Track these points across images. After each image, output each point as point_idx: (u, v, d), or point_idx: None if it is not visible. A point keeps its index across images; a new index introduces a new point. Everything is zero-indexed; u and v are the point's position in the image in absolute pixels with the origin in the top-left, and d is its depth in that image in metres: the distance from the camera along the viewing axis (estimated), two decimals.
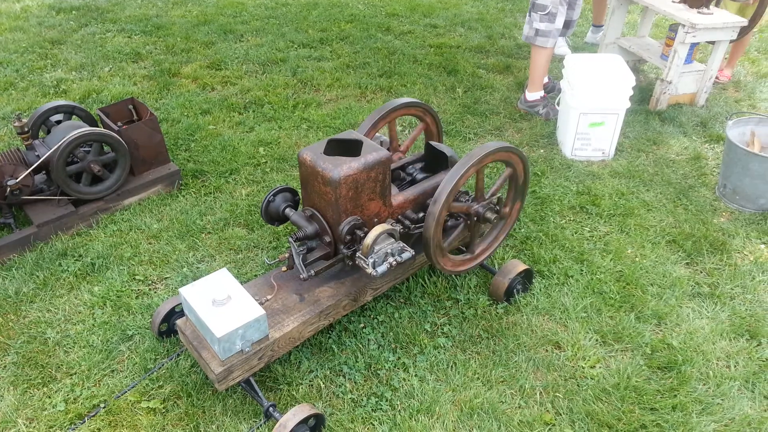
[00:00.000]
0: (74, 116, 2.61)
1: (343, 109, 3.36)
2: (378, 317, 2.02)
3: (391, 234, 1.82)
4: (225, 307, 1.59)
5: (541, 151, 3.05)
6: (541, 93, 3.34)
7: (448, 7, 4.86)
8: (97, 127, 2.55)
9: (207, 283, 1.67)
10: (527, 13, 3.19)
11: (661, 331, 2.00)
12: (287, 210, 1.93)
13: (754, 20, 3.26)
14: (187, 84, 3.58)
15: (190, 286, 1.66)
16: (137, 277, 2.17)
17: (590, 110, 2.85)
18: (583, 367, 1.86)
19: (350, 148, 1.87)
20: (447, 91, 3.61)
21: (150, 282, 2.16)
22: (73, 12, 4.50)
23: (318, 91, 3.58)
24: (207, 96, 3.45)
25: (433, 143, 2.17)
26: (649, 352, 1.91)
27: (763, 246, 2.39)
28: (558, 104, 3.22)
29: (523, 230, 2.44)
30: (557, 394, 1.78)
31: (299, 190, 1.91)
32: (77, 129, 2.32)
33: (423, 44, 4.22)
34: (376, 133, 2.26)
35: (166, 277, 2.17)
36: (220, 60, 3.86)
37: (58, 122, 2.54)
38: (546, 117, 3.30)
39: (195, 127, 3.10)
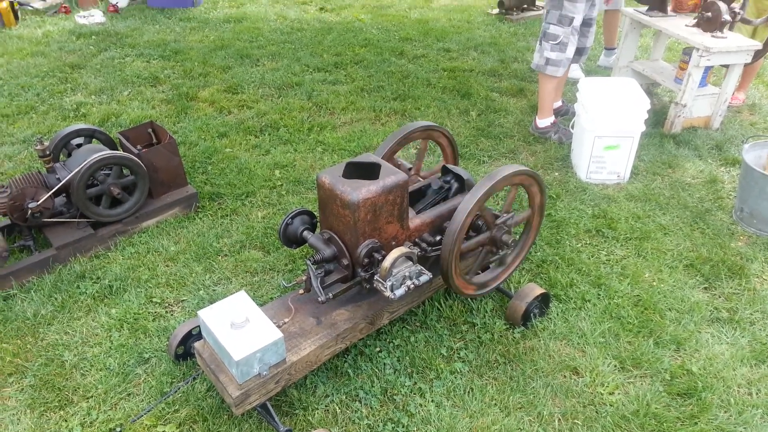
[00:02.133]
0: (94, 139, 2.66)
1: (357, 132, 3.39)
2: (394, 341, 2.01)
3: (408, 257, 1.82)
4: (243, 330, 1.60)
5: (556, 174, 3.05)
6: (552, 119, 3.35)
7: (461, 31, 4.91)
8: (117, 150, 2.59)
9: (225, 306, 1.68)
10: (538, 41, 3.21)
11: (680, 356, 1.98)
12: (305, 232, 1.94)
13: (767, 44, 3.26)
14: (205, 108, 3.63)
15: (208, 309, 1.67)
16: (154, 300, 2.18)
17: (605, 133, 2.86)
18: (602, 394, 1.84)
19: (368, 171, 1.88)
20: (461, 114, 3.64)
21: (167, 305, 2.17)
22: (93, 37, 4.60)
23: (333, 114, 3.62)
24: (224, 119, 3.50)
25: (450, 166, 2.18)
26: (669, 378, 1.89)
27: None
28: (572, 127, 3.22)
29: (539, 253, 2.43)
30: (576, 421, 1.76)
31: (316, 213, 1.92)
32: (97, 152, 2.36)
33: (436, 68, 4.26)
34: (394, 156, 2.28)
35: (183, 300, 2.18)
36: (236, 84, 3.92)
37: (79, 145, 2.58)
38: (559, 142, 3.31)
39: (212, 150, 3.13)
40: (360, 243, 1.78)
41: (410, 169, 2.34)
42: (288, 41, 4.65)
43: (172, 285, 2.25)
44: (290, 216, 1.94)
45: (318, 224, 1.96)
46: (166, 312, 2.14)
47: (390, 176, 1.81)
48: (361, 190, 1.71)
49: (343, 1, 5.63)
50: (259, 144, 3.26)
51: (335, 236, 1.82)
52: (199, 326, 1.81)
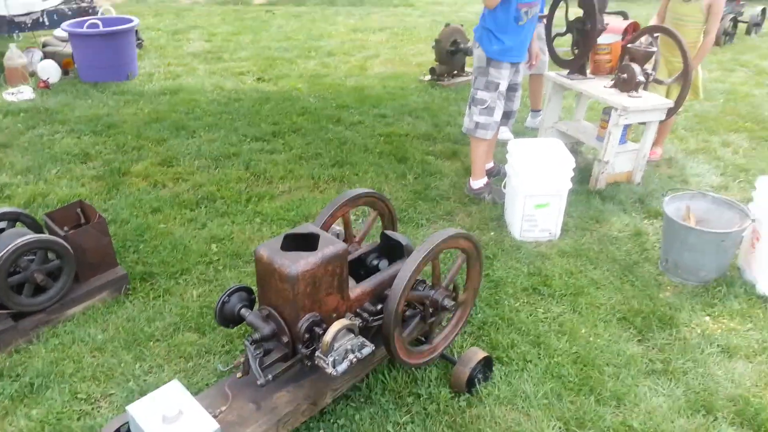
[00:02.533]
0: (19, 223, 2.55)
1: (296, 201, 3.39)
2: (338, 421, 1.96)
3: (350, 329, 1.81)
4: (176, 424, 1.53)
5: (492, 233, 3.13)
6: (485, 180, 3.46)
7: (396, 97, 5.07)
8: (43, 233, 2.49)
9: (156, 398, 1.60)
10: (467, 106, 3.35)
11: (621, 412, 2.01)
12: (243, 310, 1.89)
13: (679, 102, 3.50)
14: (138, 182, 3.57)
15: (138, 403, 1.59)
16: (79, 396, 2.05)
17: (535, 193, 2.97)
18: None
19: (307, 242, 1.88)
20: (398, 178, 3.71)
21: (93, 400, 2.04)
22: (21, 114, 4.49)
23: (271, 183, 3.62)
24: (158, 194, 3.44)
25: (389, 232, 2.21)
26: None
27: (708, 318, 2.47)
28: (504, 187, 3.34)
29: (480, 315, 2.46)
30: None
31: (255, 288, 1.88)
32: (21, 237, 2.26)
33: (373, 134, 4.36)
34: (332, 225, 2.29)
35: (111, 394, 2.06)
36: (172, 157, 3.89)
37: (2, 230, 2.47)
38: (493, 202, 3.41)
39: (144, 227, 3.06)
40: (300, 317, 1.75)
41: (349, 237, 2.35)
42: (225, 112, 4.67)
43: (99, 378, 2.12)
44: (227, 294, 1.90)
45: (257, 300, 1.92)
46: (93, 409, 2.01)
47: (329, 246, 1.81)
48: (299, 263, 1.71)
49: (280, 71, 5.74)
50: (195, 217, 3.21)
51: (274, 312, 1.79)
52: (128, 423, 1.71)
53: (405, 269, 1.84)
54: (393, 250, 2.17)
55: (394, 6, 8.58)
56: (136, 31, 5.79)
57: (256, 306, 1.91)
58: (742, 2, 6.78)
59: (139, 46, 6.14)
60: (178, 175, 3.68)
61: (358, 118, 4.63)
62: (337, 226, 2.33)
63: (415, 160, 3.92)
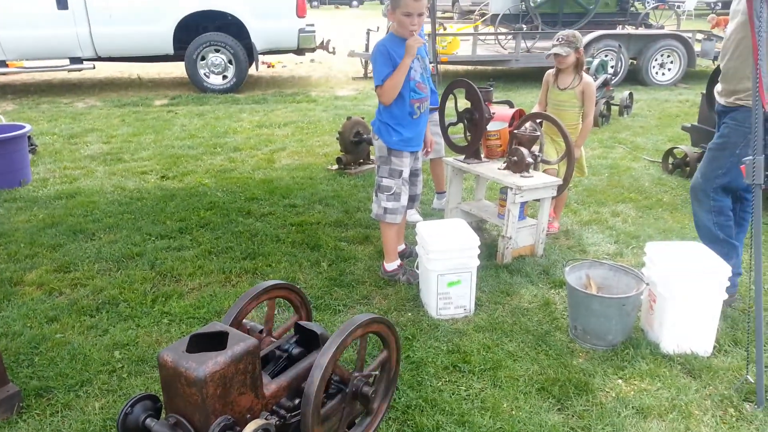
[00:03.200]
0: None
1: (207, 297, 3.28)
2: None
3: (266, 429, 1.72)
4: None
5: (409, 314, 3.15)
6: (398, 262, 3.53)
7: (305, 187, 5.13)
8: None
9: None
10: (374, 193, 3.45)
11: None
12: (148, 420, 1.76)
13: (566, 179, 3.79)
14: (31, 292, 3.32)
15: None
16: None
17: (446, 271, 3.04)
18: None
19: (215, 342, 1.81)
20: (312, 266, 3.69)
21: None
22: None
23: (179, 281, 3.49)
24: (54, 302, 3.21)
25: (302, 323, 2.16)
26: None
27: (620, 381, 2.57)
28: (417, 268, 3.40)
29: (403, 399, 2.42)
30: None
31: (161, 396, 1.76)
32: None
33: (284, 223, 4.35)
34: (243, 320, 2.22)
35: None
36: (69, 262, 3.67)
37: None
38: (408, 282, 3.45)
39: (39, 339, 2.82)
40: (211, 423, 1.65)
41: (262, 331, 2.28)
42: (127, 212, 4.52)
43: None
44: (129, 404, 1.76)
45: (163, 408, 1.79)
46: None
47: (239, 343, 1.75)
48: (207, 364, 1.63)
49: (185, 168, 5.68)
50: (96, 324, 3.00)
51: (182, 420, 1.67)
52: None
53: (320, 360, 1.80)
54: (309, 341, 2.13)
55: (297, 102, 8.86)
56: (29, 137, 5.59)
57: (164, 414, 1.78)
58: (612, 88, 7.58)
59: (33, 151, 5.91)
60: (76, 280, 3.46)
61: (268, 209, 4.62)
62: (250, 321, 2.26)
63: (328, 246, 3.94)
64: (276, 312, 3.12)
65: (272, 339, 2.26)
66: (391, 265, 3.51)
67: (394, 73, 3.10)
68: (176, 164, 5.78)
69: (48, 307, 3.15)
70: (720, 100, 3.07)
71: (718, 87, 3.10)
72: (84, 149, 6.29)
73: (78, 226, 4.21)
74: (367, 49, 10.76)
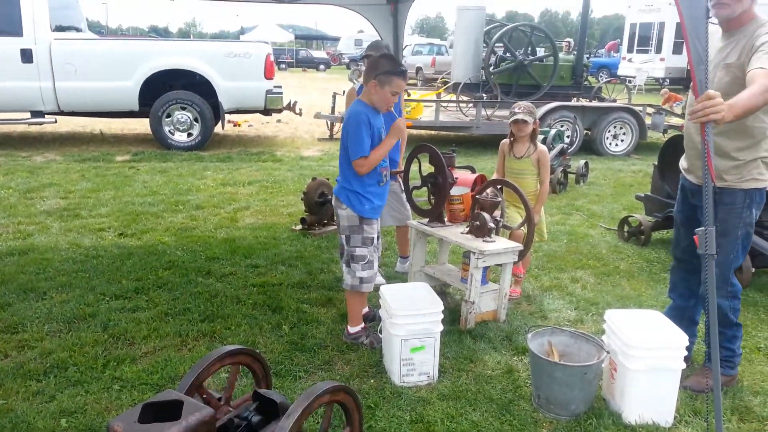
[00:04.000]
0: None
1: (161, 362, 3.15)
2: None
3: None
4: None
5: (372, 381, 3.09)
6: (362, 325, 3.49)
7: (268, 247, 5.08)
8: None
9: None
10: (344, 264, 3.43)
11: None
12: None
13: (527, 245, 3.86)
14: None
15: None
16: None
17: (410, 336, 3.02)
18: None
19: (169, 411, 1.73)
20: (273, 329, 3.61)
21: None
22: None
23: (132, 345, 3.36)
24: None
25: (262, 390, 2.10)
26: None
27: None
28: (380, 332, 3.36)
29: None
30: None
31: None
32: None
33: (245, 284, 4.28)
34: (204, 385, 2.14)
35: None
36: (17, 322, 3.50)
37: None
38: (371, 346, 3.41)
39: None
40: None
41: (220, 399, 2.20)
42: (81, 270, 4.37)
43: None
44: None
45: None
46: None
47: (194, 414, 1.69)
48: None
49: (144, 225, 5.57)
50: (42, 389, 2.85)
51: None
52: None
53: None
54: (268, 409, 2.06)
55: (262, 161, 8.89)
56: None
57: None
58: (568, 157, 7.87)
59: None
60: (23, 342, 3.30)
61: (229, 269, 4.54)
62: (208, 389, 2.18)
63: (290, 309, 3.87)
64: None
65: (229, 408, 2.18)
66: (355, 327, 3.47)
67: (378, 148, 3.20)
68: (135, 221, 5.67)
69: None
70: (690, 177, 3.04)
71: (684, 163, 3.12)
72: (40, 204, 6.13)
73: (29, 285, 4.05)
74: (332, 112, 10.97)
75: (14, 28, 8.42)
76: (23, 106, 8.80)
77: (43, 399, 2.78)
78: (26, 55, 8.47)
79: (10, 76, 8.48)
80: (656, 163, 5.46)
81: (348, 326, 3.50)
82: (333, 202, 3.44)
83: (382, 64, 3.19)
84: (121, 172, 7.74)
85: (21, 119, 9.16)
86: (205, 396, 2.14)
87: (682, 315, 3.25)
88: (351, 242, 3.36)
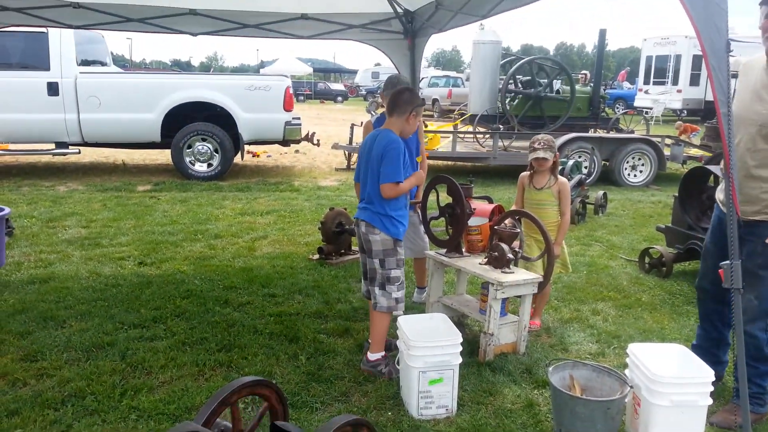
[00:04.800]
0: None
1: (178, 392, 3.14)
2: None
3: None
4: None
5: (389, 413, 3.04)
6: (383, 353, 3.47)
7: (285, 276, 5.09)
8: None
9: None
10: (378, 287, 3.45)
11: None
12: None
13: (546, 276, 3.82)
14: None
15: None
16: None
17: (428, 368, 2.98)
18: None
19: None
20: (289, 359, 3.59)
21: None
22: None
23: (150, 374, 3.36)
24: (16, 393, 3.05)
25: (279, 423, 2.08)
26: None
27: None
28: (398, 363, 3.33)
29: None
30: None
31: None
32: None
33: (263, 314, 4.27)
34: (217, 419, 2.12)
35: None
36: (36, 351, 3.53)
37: None
38: (389, 376, 3.37)
39: None
40: None
41: (243, 430, 2.18)
42: (101, 299, 4.41)
43: None
44: None
45: None
46: None
47: None
48: None
49: (163, 254, 5.62)
50: (59, 418, 2.85)
51: None
52: None
53: None
54: None
55: (280, 191, 8.97)
56: (7, 219, 5.53)
57: None
58: (586, 188, 7.83)
59: (9, 234, 5.83)
60: (42, 370, 3.31)
61: (246, 299, 4.55)
62: (223, 421, 2.17)
63: (307, 339, 3.85)
64: (248, 408, 3.01)
65: None
66: (375, 354, 3.46)
67: (410, 181, 3.41)
68: (155, 250, 5.72)
69: (10, 399, 2.98)
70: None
71: (722, 196, 3.07)
72: (62, 233, 6.22)
73: (49, 313, 4.09)
74: (350, 142, 11.08)
75: (42, 63, 8.71)
76: (48, 137, 9.03)
77: (60, 428, 2.78)
78: (53, 89, 8.72)
79: (36, 108, 8.73)
80: (677, 194, 5.40)
81: (369, 353, 3.49)
82: (363, 228, 3.46)
83: (414, 98, 3.41)
84: (141, 202, 7.85)
85: (46, 150, 9.39)
86: (223, 429, 2.12)
87: (719, 343, 3.25)
88: (386, 265, 3.42)
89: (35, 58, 8.72)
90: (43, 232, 6.21)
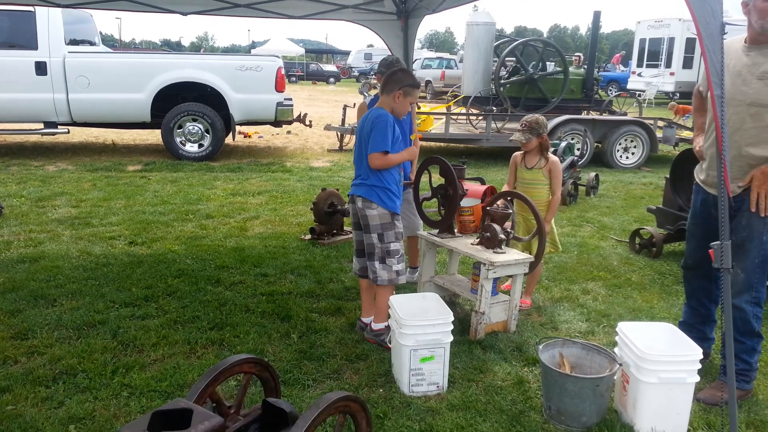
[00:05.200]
0: None
1: (170, 369, 3.15)
2: None
3: None
4: None
5: (381, 390, 3.06)
6: (386, 323, 3.54)
7: (277, 256, 5.09)
8: None
9: None
10: (378, 261, 3.47)
11: None
12: None
13: (538, 256, 3.84)
14: None
15: None
16: None
17: (419, 346, 3.00)
18: None
19: (178, 420, 1.72)
20: (281, 337, 3.60)
21: None
22: None
23: (142, 352, 3.36)
24: (7, 371, 3.05)
25: (271, 400, 2.09)
26: None
27: None
28: (389, 342, 3.35)
29: None
30: None
31: None
32: None
33: (254, 293, 4.27)
34: (215, 392, 2.13)
35: None
36: (27, 329, 3.52)
37: None
38: (388, 347, 3.40)
39: None
40: None
41: (230, 407, 2.19)
42: (92, 278, 4.39)
43: None
44: None
45: None
46: None
47: (203, 422, 1.68)
48: None
49: (155, 234, 5.59)
50: (51, 395, 2.85)
51: None
52: None
53: None
54: (277, 419, 2.04)
55: (272, 172, 8.93)
56: None
57: None
58: (578, 169, 7.85)
59: None
60: (33, 348, 3.31)
61: (238, 278, 4.54)
62: (215, 397, 2.17)
63: (299, 318, 3.86)
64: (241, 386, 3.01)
65: (239, 417, 2.16)
66: (379, 324, 3.53)
67: (399, 156, 3.39)
68: (146, 230, 5.69)
69: (1, 376, 2.98)
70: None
71: (703, 176, 3.12)
72: (52, 213, 6.18)
73: (39, 292, 4.07)
74: (343, 123, 11.02)
75: (29, 42, 8.57)
76: (37, 116, 8.91)
77: (52, 405, 2.78)
78: (41, 68, 8.59)
79: (25, 88, 8.60)
80: (668, 176, 5.42)
81: (372, 323, 3.57)
82: (359, 204, 3.48)
83: (405, 77, 3.40)
84: (132, 182, 7.80)
85: (35, 130, 9.27)
86: (214, 405, 2.13)
87: (705, 320, 3.30)
88: (385, 239, 3.45)
89: (22, 37, 8.57)
90: (33, 212, 6.16)
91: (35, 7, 7.99)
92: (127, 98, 9.05)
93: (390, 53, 5.67)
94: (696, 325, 3.32)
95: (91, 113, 9.07)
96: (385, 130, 3.30)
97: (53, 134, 9.43)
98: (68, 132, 9.50)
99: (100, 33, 11.32)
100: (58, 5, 5.47)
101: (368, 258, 3.53)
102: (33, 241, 5.22)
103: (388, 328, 3.50)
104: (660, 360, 2.70)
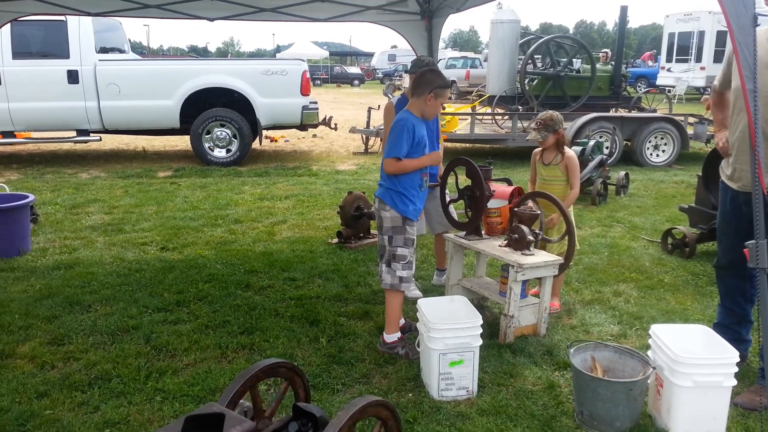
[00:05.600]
0: None
1: (202, 374, 3.19)
2: None
3: None
4: None
5: (410, 395, 3.06)
6: (398, 334, 3.48)
7: (305, 260, 5.12)
8: None
9: None
10: (385, 264, 3.45)
11: None
12: None
13: (567, 258, 3.79)
14: (23, 365, 3.24)
15: None
16: None
17: (448, 350, 2.99)
18: None
19: (211, 424, 1.75)
20: (311, 342, 3.62)
21: None
22: None
23: (174, 356, 3.41)
24: (45, 376, 3.13)
25: (301, 404, 2.10)
26: None
27: None
28: (418, 345, 3.34)
29: None
30: None
31: None
32: None
33: (283, 297, 4.31)
34: (240, 400, 2.16)
35: None
36: (63, 334, 3.60)
37: None
38: (407, 357, 3.39)
39: (28, 415, 2.73)
40: None
41: (263, 410, 2.21)
42: (125, 283, 4.48)
43: None
44: None
45: None
46: None
47: (235, 427, 1.70)
48: None
49: (185, 239, 5.68)
50: (87, 400, 2.91)
51: None
52: None
53: None
54: (307, 423, 2.05)
55: (298, 176, 9.00)
56: (32, 206, 5.63)
57: None
58: (607, 168, 7.72)
59: (34, 221, 5.94)
60: (69, 354, 3.39)
61: (267, 282, 4.59)
62: (246, 402, 2.20)
63: (328, 322, 3.88)
64: (270, 390, 3.04)
65: (269, 421, 2.18)
66: (391, 336, 3.47)
67: (414, 160, 3.31)
68: (177, 236, 5.79)
69: (39, 381, 3.06)
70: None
71: (729, 171, 3.04)
72: (85, 219, 6.32)
73: (74, 298, 4.17)
74: (368, 126, 11.04)
75: (61, 51, 8.79)
76: (69, 125, 9.14)
77: (88, 410, 2.84)
78: (72, 76, 8.80)
79: (57, 96, 8.83)
80: (700, 173, 5.30)
81: (384, 334, 3.51)
82: (376, 205, 3.48)
83: (435, 78, 3.33)
84: (162, 188, 7.93)
85: (67, 137, 9.51)
86: (246, 409, 2.15)
87: (741, 321, 3.21)
88: (393, 242, 3.42)
89: (55, 46, 8.80)
90: (67, 219, 6.31)
91: (66, 16, 8.17)
92: (157, 105, 9.22)
93: (414, 54, 5.66)
94: (731, 327, 3.24)
95: (122, 120, 9.26)
96: (401, 135, 3.25)
97: (85, 142, 9.65)
98: (100, 139, 9.71)
99: (129, 40, 11.55)
100: (89, 14, 5.60)
101: (379, 259, 3.54)
102: (68, 247, 5.35)
103: (401, 339, 3.48)
104: (695, 363, 2.64)
